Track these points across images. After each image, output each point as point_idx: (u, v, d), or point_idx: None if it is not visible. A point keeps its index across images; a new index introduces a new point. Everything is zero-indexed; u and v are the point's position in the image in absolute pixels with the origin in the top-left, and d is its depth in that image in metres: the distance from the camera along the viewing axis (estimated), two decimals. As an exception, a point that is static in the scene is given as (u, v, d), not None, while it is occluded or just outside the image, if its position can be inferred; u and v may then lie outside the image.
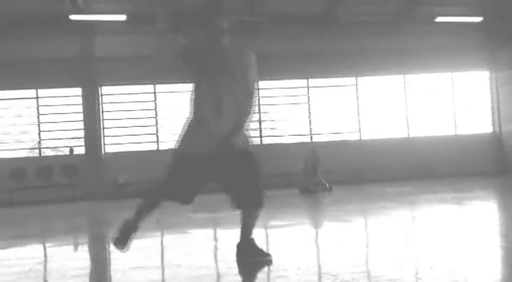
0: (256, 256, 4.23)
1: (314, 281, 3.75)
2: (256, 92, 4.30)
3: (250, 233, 4.29)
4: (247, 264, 4.28)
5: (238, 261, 4.23)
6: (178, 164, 4.25)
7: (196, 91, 4.31)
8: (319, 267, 4.10)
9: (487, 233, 5.61)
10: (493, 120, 17.72)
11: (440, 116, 17.56)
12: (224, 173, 4.18)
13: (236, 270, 4.07)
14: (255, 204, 4.20)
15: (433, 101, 17.51)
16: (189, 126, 4.27)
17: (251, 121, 4.32)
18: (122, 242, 4.36)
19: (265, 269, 4.21)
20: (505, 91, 17.03)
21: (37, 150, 16.06)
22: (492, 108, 17.75)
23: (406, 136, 17.16)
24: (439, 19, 15.96)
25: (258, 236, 6.29)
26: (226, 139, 4.09)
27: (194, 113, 4.27)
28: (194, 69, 4.37)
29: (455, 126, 17.55)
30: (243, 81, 4.18)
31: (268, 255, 4.29)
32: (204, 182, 4.27)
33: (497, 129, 17.55)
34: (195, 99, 4.31)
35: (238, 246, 4.29)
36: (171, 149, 4.33)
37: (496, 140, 17.40)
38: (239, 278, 3.80)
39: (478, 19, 16.12)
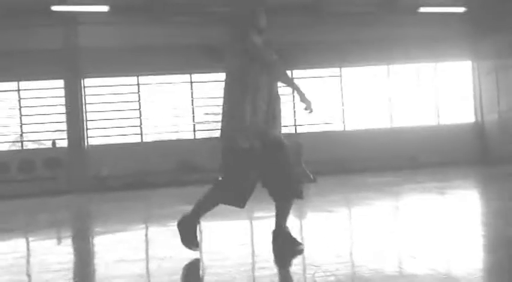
0: (289, 244, 4.35)
1: (298, 271, 3.76)
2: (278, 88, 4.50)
3: (285, 221, 4.41)
4: (232, 256, 4.28)
5: (273, 247, 4.37)
6: (234, 159, 4.27)
7: (235, 87, 4.32)
8: (303, 257, 4.11)
9: (469, 222, 5.66)
10: (476, 109, 17.86)
11: (424, 106, 17.66)
12: (265, 164, 4.27)
13: (220, 262, 4.07)
14: (291, 195, 4.33)
15: (417, 91, 17.60)
16: (232, 120, 4.28)
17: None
18: (190, 240, 4.37)
19: (250, 260, 4.22)
20: (488, 81, 17.16)
21: (19, 143, 15.90)
22: (475, 98, 17.88)
23: (390, 126, 17.24)
24: (422, 9, 16.01)
25: (243, 227, 6.30)
26: (264, 131, 4.25)
27: (233, 108, 4.30)
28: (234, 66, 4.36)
29: (438, 116, 17.66)
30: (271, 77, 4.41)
31: (301, 244, 4.38)
32: (255, 177, 4.31)
33: (479, 119, 17.69)
34: (234, 95, 4.32)
35: (274, 233, 4.42)
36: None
37: (478, 130, 17.55)
38: (223, 270, 3.80)
39: (461, 9, 16.20)
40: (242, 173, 4.24)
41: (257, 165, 4.26)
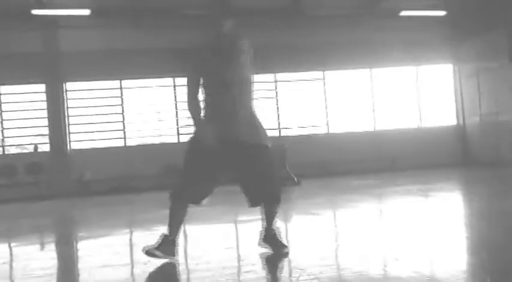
0: (274, 246, 4.36)
1: (283, 275, 3.76)
2: (252, 79, 4.36)
3: (271, 223, 4.43)
4: (217, 260, 4.27)
5: (259, 246, 4.43)
6: (194, 152, 4.26)
7: (206, 86, 4.33)
8: (288, 261, 4.12)
9: (452, 224, 5.71)
10: (457, 112, 18.02)
11: (406, 109, 17.79)
12: (238, 165, 4.24)
13: (204, 266, 4.06)
14: (271, 200, 4.32)
15: (398, 95, 17.73)
16: (204, 117, 4.30)
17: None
18: (167, 251, 4.26)
19: (235, 264, 4.21)
20: (469, 84, 17.33)
21: (0, 148, 15.73)
22: (456, 101, 18.05)
23: (373, 129, 17.34)
24: (403, 13, 16.15)
25: (227, 231, 6.29)
26: (238, 131, 4.19)
27: (207, 107, 4.32)
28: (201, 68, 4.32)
29: (420, 119, 17.80)
30: (238, 69, 4.25)
31: (286, 247, 4.38)
32: (218, 174, 4.30)
33: (461, 122, 17.86)
34: (206, 94, 4.34)
35: (260, 234, 4.46)
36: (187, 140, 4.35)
37: (460, 133, 17.71)
38: (208, 273, 3.79)
39: (442, 13, 16.36)
40: (199, 170, 4.21)
41: (216, 166, 4.23)
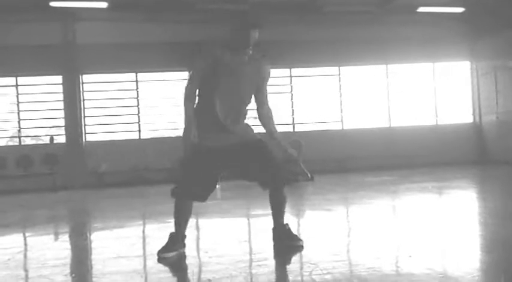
0: (289, 240, 4.37)
1: (295, 269, 3.77)
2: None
3: (282, 217, 4.43)
4: (229, 253, 4.28)
5: (274, 245, 4.41)
6: (195, 157, 4.24)
7: (208, 90, 4.25)
8: (300, 255, 4.12)
9: (467, 221, 5.67)
10: (474, 110, 17.87)
11: (422, 106, 17.67)
12: (240, 161, 4.28)
13: (217, 259, 4.07)
14: (276, 185, 4.32)
15: (415, 91, 17.61)
16: (202, 120, 4.27)
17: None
18: (168, 250, 4.28)
19: (247, 257, 4.22)
20: (486, 81, 17.18)
21: (17, 139, 15.87)
22: (473, 98, 17.90)
23: (388, 126, 17.25)
24: (420, 9, 16.01)
25: (240, 224, 6.30)
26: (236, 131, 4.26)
27: (206, 109, 4.27)
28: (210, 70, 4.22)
29: (436, 116, 17.67)
30: (259, 93, 4.37)
31: (301, 240, 4.39)
32: (218, 171, 4.31)
33: (477, 120, 17.71)
34: (206, 97, 4.27)
35: (273, 230, 4.46)
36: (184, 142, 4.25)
37: (476, 130, 17.56)
38: (220, 267, 3.80)
39: (460, 9, 16.20)
40: (203, 171, 4.22)
41: (225, 163, 4.26)
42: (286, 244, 4.36)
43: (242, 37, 4.06)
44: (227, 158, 4.24)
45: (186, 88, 4.25)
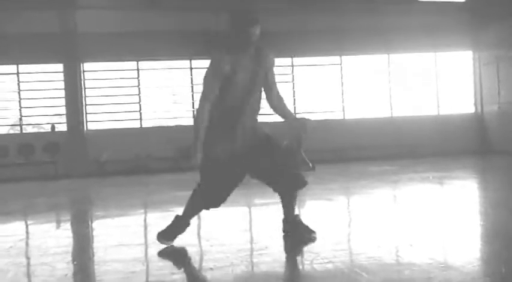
0: (302, 232, 4.32)
1: (296, 258, 3.77)
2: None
3: (293, 210, 4.40)
4: (231, 242, 4.29)
5: (284, 236, 4.36)
6: (215, 168, 4.16)
7: (222, 92, 4.15)
8: (301, 245, 4.12)
9: (468, 211, 5.68)
10: (476, 100, 17.81)
11: (424, 96, 17.62)
12: (256, 162, 4.22)
13: (219, 248, 4.08)
14: (294, 187, 4.32)
15: (416, 81, 17.55)
16: (215, 128, 4.14)
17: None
18: (167, 236, 4.27)
19: (249, 246, 4.23)
20: (488, 71, 17.11)
21: (18, 127, 15.87)
22: (475, 88, 17.83)
23: (390, 116, 17.22)
24: (423, -2, 15.94)
25: (242, 214, 6.31)
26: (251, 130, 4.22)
27: (218, 115, 4.16)
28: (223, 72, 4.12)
29: (438, 106, 17.63)
30: (266, 83, 4.28)
31: (314, 232, 4.33)
32: (239, 179, 4.27)
33: (479, 110, 17.67)
34: (220, 100, 4.17)
35: (284, 222, 4.41)
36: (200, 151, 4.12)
37: (478, 120, 17.52)
38: (221, 255, 3.81)
39: (463, -1, 16.13)
40: (219, 179, 4.18)
41: (232, 172, 4.19)
42: (298, 236, 4.29)
43: (243, 37, 4.00)
44: (244, 161, 4.19)
45: (202, 96, 4.14)
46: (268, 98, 4.39)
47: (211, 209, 4.37)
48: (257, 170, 4.27)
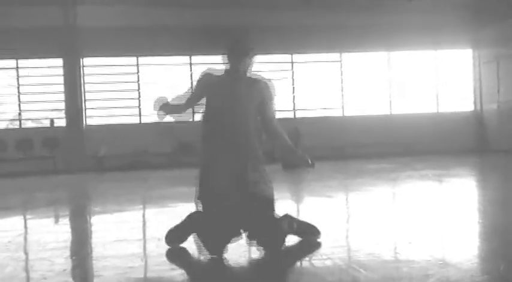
0: (304, 234, 4.09)
1: (295, 254, 3.77)
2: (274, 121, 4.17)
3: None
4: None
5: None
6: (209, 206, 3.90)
7: (206, 120, 4.08)
8: (300, 241, 4.12)
9: (466, 209, 5.68)
10: (475, 98, 17.83)
11: (423, 94, 17.62)
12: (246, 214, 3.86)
13: (217, 243, 4.07)
14: (270, 246, 3.84)
15: (416, 79, 17.55)
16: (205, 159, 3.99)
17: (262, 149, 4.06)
18: (175, 238, 4.05)
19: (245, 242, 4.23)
20: (488, 70, 17.11)
21: (17, 122, 15.86)
22: (474, 86, 17.84)
23: (389, 113, 17.22)
24: (424, -4, 15.91)
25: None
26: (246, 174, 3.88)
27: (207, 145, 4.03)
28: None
29: (437, 104, 17.63)
30: (264, 113, 4.10)
31: (319, 233, 4.11)
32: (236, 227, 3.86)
33: (478, 108, 17.68)
34: (205, 128, 4.06)
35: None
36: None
37: (477, 118, 17.53)
38: (220, 252, 3.80)
39: (464, -4, 16.12)
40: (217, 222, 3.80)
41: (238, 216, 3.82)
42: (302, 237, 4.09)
43: (234, 64, 3.99)
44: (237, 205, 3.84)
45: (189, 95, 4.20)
46: (263, 130, 4.14)
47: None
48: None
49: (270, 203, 3.94)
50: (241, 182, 3.86)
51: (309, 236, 4.07)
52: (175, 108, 4.17)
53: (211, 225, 3.80)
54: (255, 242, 3.82)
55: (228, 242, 3.78)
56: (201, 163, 4.00)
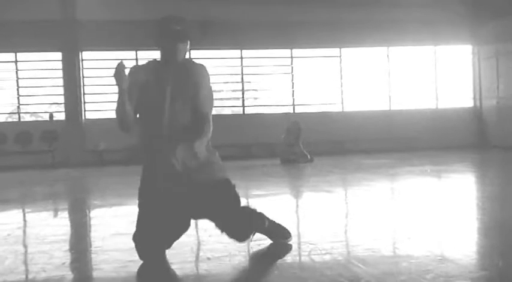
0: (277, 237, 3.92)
1: (294, 249, 3.78)
2: (211, 112, 3.65)
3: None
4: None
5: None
6: (146, 193, 3.74)
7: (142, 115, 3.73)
8: (299, 236, 4.13)
9: (465, 205, 5.69)
10: (474, 94, 17.82)
11: (422, 90, 17.61)
12: (199, 205, 3.59)
13: (216, 238, 4.08)
14: (241, 239, 3.68)
15: (416, 74, 17.53)
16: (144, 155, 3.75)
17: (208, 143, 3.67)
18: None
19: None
20: (487, 65, 17.10)
21: (16, 115, 15.83)
22: (474, 82, 17.83)
23: (388, 109, 17.21)
24: (424, -9, 15.90)
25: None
26: (184, 171, 3.54)
27: (144, 140, 3.80)
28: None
29: (437, 100, 17.62)
30: (197, 102, 3.55)
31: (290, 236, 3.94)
32: (180, 214, 3.62)
33: (478, 104, 17.67)
34: (141, 123, 3.76)
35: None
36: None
37: (476, 115, 17.53)
38: (220, 246, 3.82)
39: (464, -8, 16.10)
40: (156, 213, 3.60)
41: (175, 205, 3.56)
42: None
43: (168, 51, 3.55)
44: (186, 196, 3.56)
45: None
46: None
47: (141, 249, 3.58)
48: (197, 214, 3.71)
49: (225, 185, 3.64)
50: (180, 173, 3.52)
51: (280, 238, 3.88)
52: (123, 98, 3.70)
53: (144, 230, 3.57)
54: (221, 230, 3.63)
55: (174, 239, 3.64)
56: (142, 163, 3.76)
